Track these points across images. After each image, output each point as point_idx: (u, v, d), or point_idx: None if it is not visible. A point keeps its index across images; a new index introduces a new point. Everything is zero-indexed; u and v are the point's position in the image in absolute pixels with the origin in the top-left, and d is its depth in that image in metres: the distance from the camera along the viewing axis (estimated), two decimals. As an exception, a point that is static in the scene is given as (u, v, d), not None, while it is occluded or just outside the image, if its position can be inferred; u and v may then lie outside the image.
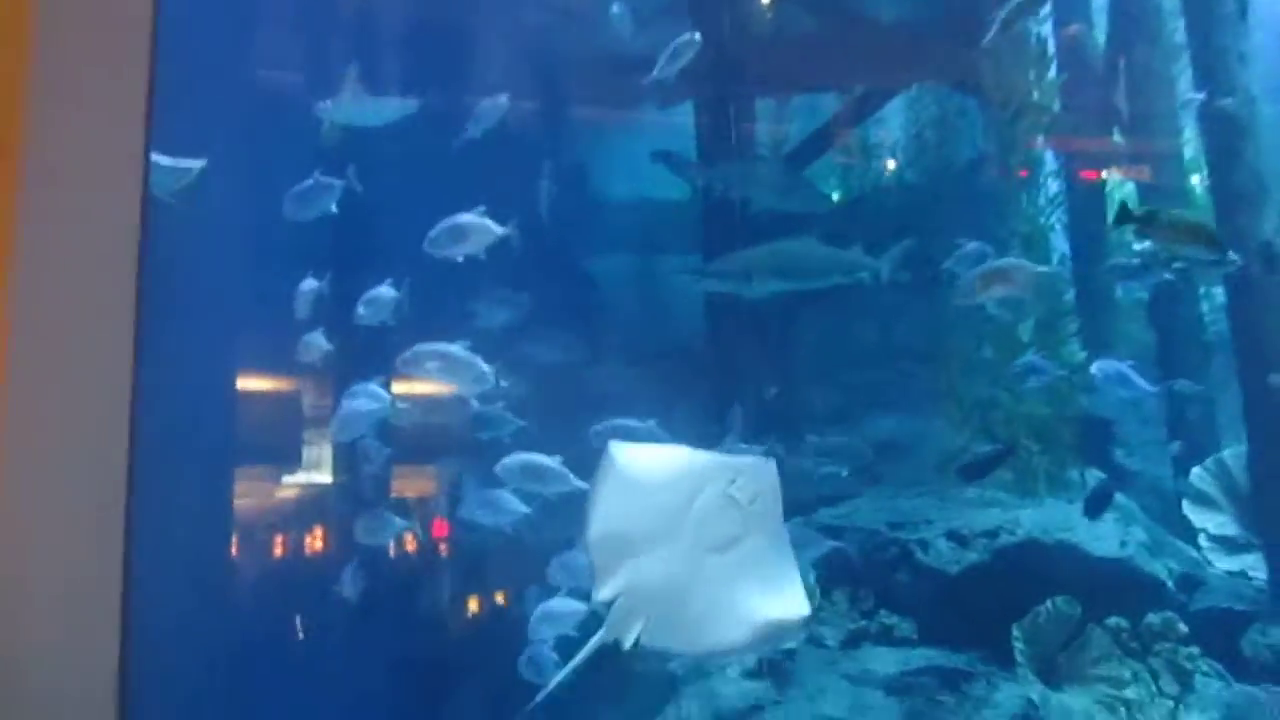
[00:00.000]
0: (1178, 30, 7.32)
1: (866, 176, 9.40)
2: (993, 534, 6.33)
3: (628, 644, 3.86)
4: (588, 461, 6.01)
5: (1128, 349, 7.88)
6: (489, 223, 6.07)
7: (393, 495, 7.62)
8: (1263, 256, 5.87)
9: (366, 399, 6.25)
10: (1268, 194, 6.29)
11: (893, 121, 9.36)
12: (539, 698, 4.36)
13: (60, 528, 1.75)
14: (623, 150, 9.46)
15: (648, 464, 3.96)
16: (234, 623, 7.10)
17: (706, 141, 8.65)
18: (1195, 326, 7.55)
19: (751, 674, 6.07)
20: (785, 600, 3.76)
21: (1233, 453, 6.89)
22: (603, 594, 3.86)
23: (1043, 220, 7.51)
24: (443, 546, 7.73)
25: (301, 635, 7.54)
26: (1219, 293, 7.62)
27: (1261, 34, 6.46)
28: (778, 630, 3.77)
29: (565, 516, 6.33)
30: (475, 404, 6.37)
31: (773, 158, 8.67)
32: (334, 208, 6.26)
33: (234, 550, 7.54)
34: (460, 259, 6.10)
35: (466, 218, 6.10)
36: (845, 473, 6.17)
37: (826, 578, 6.36)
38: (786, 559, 3.83)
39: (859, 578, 6.46)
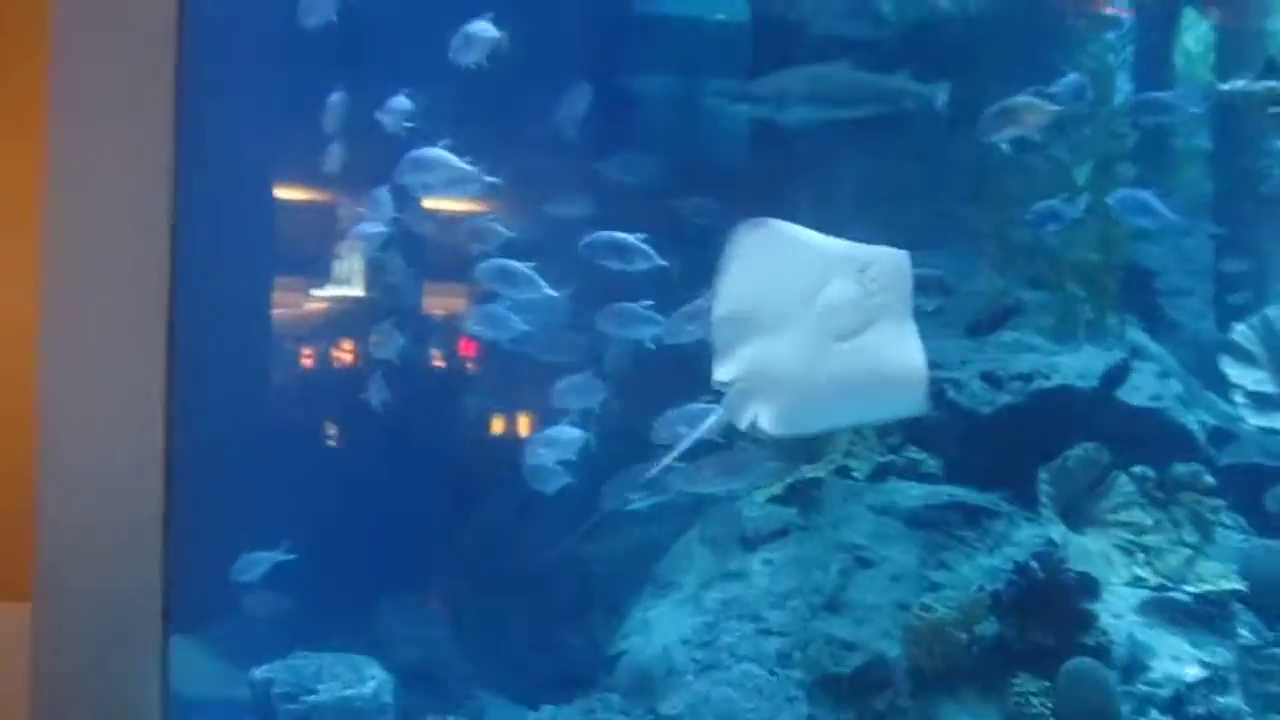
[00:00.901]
0: None
1: (925, 2, 8.95)
2: (1028, 378, 6.31)
3: (743, 425, 3.87)
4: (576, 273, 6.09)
5: (1184, 198, 7.67)
6: (489, 27, 5.89)
7: (421, 309, 7.66)
8: None
9: (381, 213, 6.30)
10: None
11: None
12: (653, 471, 4.49)
13: (106, 334, 1.73)
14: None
15: (780, 244, 3.87)
16: (269, 427, 7.27)
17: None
18: (1255, 178, 7.30)
19: (777, 499, 6.18)
20: (901, 394, 3.79)
21: (1279, 310, 6.79)
22: (723, 374, 3.84)
23: (1111, 58, 7.17)
24: (451, 362, 7.80)
25: (332, 441, 7.73)
26: (1284, 145, 7.36)
27: None
28: (897, 408, 3.90)
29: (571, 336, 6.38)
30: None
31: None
32: (334, 16, 6.05)
33: (268, 359, 7.66)
34: (471, 65, 5.92)
35: (474, 25, 5.92)
36: (931, 308, 6.05)
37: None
38: (912, 351, 3.79)
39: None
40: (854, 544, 5.88)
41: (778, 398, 3.81)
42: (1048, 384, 6.28)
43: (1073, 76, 6.03)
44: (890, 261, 3.74)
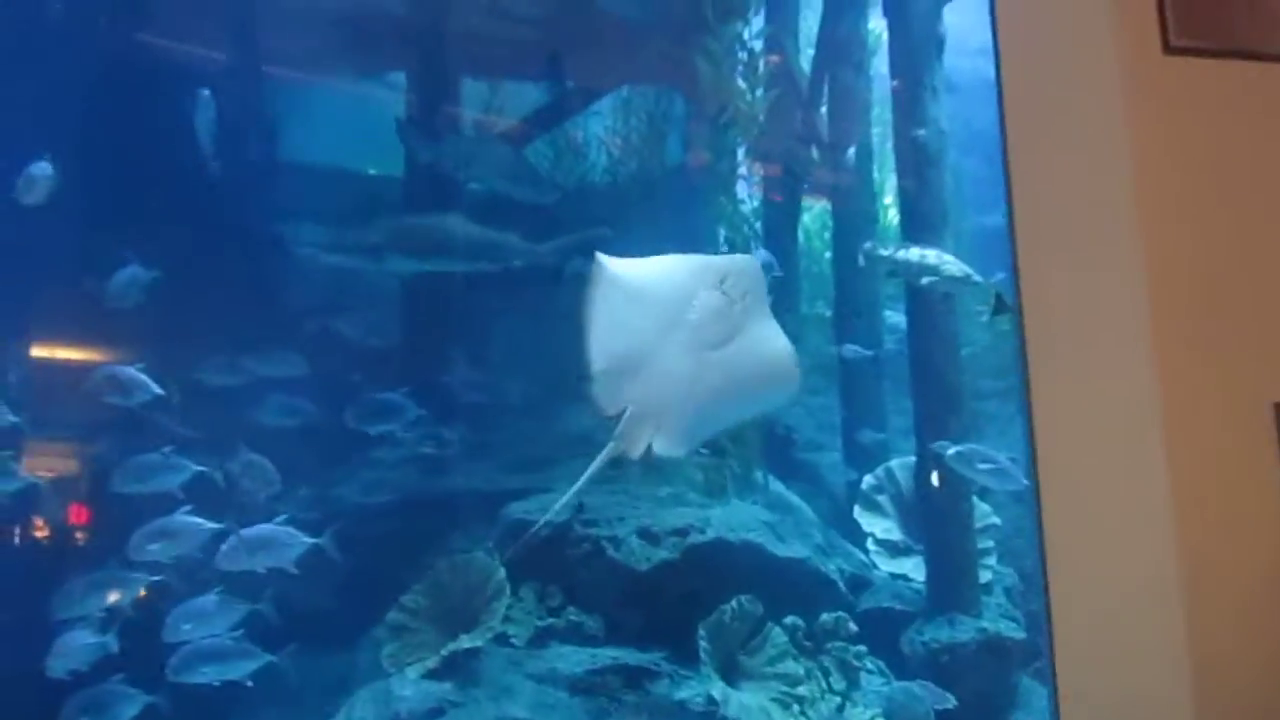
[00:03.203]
0: (880, 61, 7.75)
1: (575, 171, 9.30)
2: (683, 532, 6.33)
3: (636, 453, 4.12)
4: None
5: (808, 359, 8.25)
6: (45, 169, 5.62)
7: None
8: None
9: None
10: (948, 222, 6.74)
11: (604, 119, 9.31)
12: (548, 516, 4.95)
13: None
14: (319, 114, 8.82)
15: (637, 274, 4.12)
16: None
17: (415, 115, 8.22)
18: (873, 343, 7.99)
19: (432, 675, 5.72)
20: (781, 376, 4.19)
21: (900, 463, 7.34)
22: (609, 409, 4.12)
23: (745, 229, 7.68)
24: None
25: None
26: (894, 316, 8.14)
27: (954, 72, 6.90)
28: (777, 399, 4.37)
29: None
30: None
31: (502, 140, 8.38)
32: None
33: None
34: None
35: (35, 167, 5.61)
36: None
37: (515, 574, 6.14)
38: (777, 338, 4.17)
39: (548, 574, 6.28)
40: (515, 717, 5.51)
41: (666, 418, 4.07)
42: (702, 538, 6.33)
43: (761, 253, 6.42)
44: (744, 268, 4.13)
